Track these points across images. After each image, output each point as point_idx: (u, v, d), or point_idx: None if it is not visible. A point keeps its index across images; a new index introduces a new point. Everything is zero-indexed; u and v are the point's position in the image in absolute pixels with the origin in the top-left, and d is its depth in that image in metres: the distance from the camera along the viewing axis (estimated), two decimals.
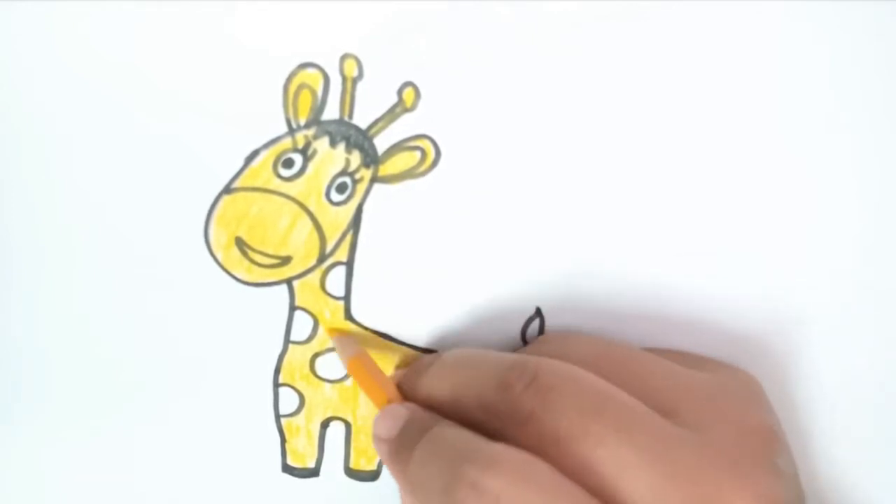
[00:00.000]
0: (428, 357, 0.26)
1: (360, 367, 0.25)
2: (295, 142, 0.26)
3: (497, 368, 0.22)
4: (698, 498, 0.20)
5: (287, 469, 0.28)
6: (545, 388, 0.21)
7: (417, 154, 0.26)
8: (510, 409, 0.21)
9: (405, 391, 0.24)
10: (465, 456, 0.20)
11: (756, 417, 0.23)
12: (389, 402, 0.24)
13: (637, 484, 0.20)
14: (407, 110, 0.26)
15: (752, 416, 0.23)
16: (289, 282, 0.27)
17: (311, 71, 0.26)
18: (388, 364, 0.28)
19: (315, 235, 0.27)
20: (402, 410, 0.23)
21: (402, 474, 0.22)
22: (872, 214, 0.27)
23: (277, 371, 0.28)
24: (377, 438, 0.23)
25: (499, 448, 0.20)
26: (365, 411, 0.28)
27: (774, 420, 0.24)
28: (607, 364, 0.23)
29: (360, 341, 0.26)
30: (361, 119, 0.26)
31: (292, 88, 0.26)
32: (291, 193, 0.26)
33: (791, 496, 0.21)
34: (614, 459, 0.20)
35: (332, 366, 0.28)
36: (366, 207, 0.27)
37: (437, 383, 0.23)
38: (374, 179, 0.26)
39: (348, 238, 0.27)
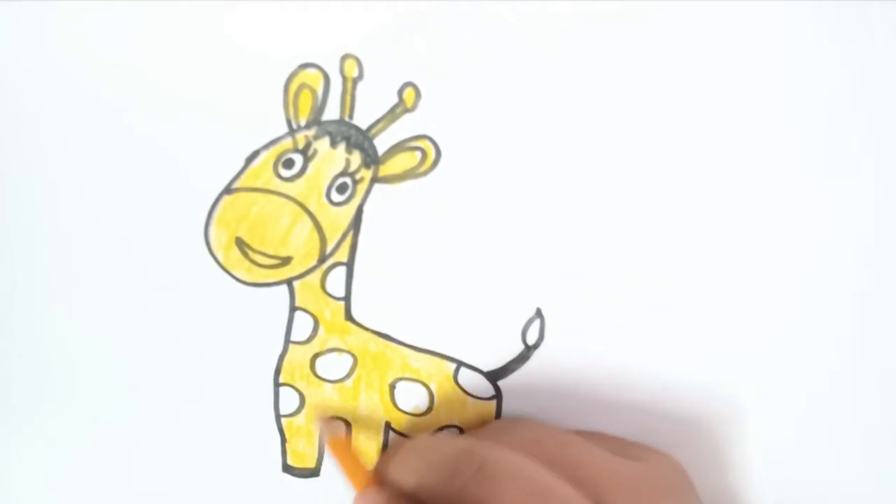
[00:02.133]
0: (399, 442, 0.27)
1: (342, 450, 0.27)
2: (295, 142, 0.26)
3: (448, 457, 0.24)
4: None
5: (287, 469, 0.28)
6: (490, 476, 0.23)
7: (418, 154, 0.26)
8: (459, 495, 0.23)
9: (379, 475, 0.26)
10: None
11: None
12: (367, 485, 0.26)
13: None
14: (407, 110, 0.26)
15: None
16: (289, 282, 0.27)
17: (311, 71, 0.26)
18: (387, 365, 0.28)
19: (315, 236, 0.27)
20: (378, 497, 0.25)
21: None
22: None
23: (278, 371, 0.28)
24: None
25: None
26: (365, 411, 0.28)
27: None
28: (547, 449, 0.25)
29: (341, 425, 0.28)
30: (362, 119, 0.26)
31: (293, 88, 0.26)
32: (292, 194, 0.26)
33: None
34: None
35: (332, 366, 0.28)
36: (366, 208, 0.27)
37: (403, 470, 0.25)
38: (374, 180, 0.26)
39: (349, 238, 0.27)
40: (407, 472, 0.25)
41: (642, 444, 0.28)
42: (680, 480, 0.27)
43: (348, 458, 0.26)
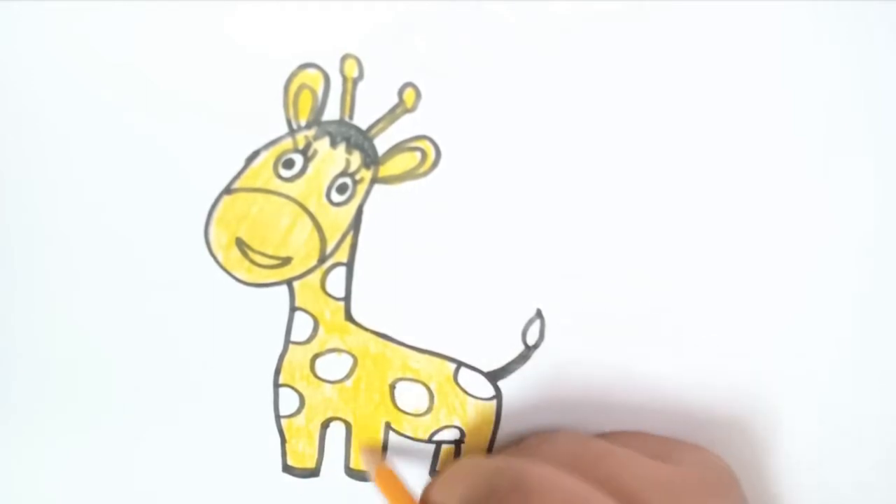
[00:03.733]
0: (445, 468, 0.27)
1: (388, 480, 0.27)
2: (295, 142, 0.26)
3: (484, 476, 0.24)
4: None
5: (287, 469, 0.28)
6: (525, 491, 0.23)
7: (418, 155, 0.26)
8: None
9: (424, 501, 0.26)
10: None
11: None
12: None
13: None
14: (407, 111, 0.26)
15: None
16: (289, 282, 0.27)
17: (311, 71, 0.26)
18: (386, 365, 0.28)
19: (315, 236, 0.27)
20: None
21: None
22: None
23: (278, 371, 0.28)
24: None
25: None
26: (365, 412, 0.28)
27: None
28: (584, 462, 0.25)
29: (383, 456, 0.28)
30: (362, 119, 0.26)
31: (293, 89, 0.26)
32: (292, 194, 0.26)
33: None
34: None
35: (332, 366, 0.28)
36: (366, 208, 0.27)
37: (445, 493, 0.25)
38: (374, 180, 0.26)
39: (349, 239, 0.27)
40: (449, 495, 0.25)
41: (684, 442, 0.28)
42: (722, 478, 0.26)
43: (395, 489, 0.26)
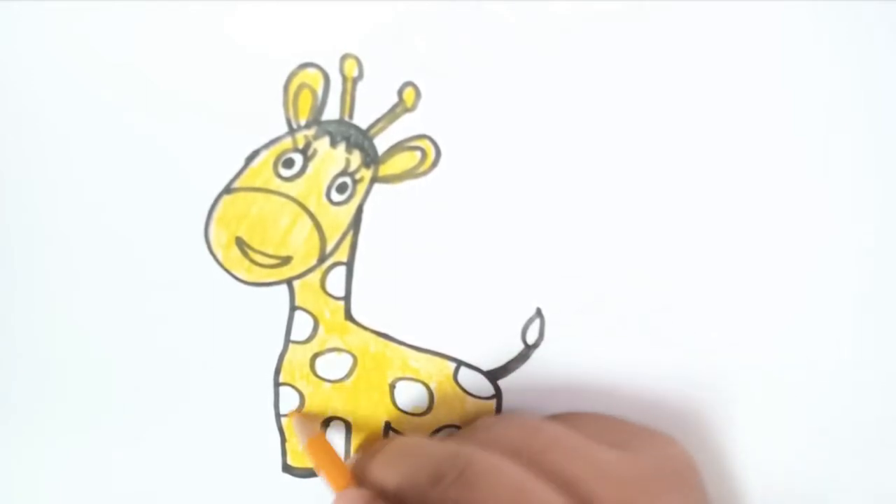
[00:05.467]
0: (379, 443, 0.27)
1: (319, 449, 0.26)
2: (295, 142, 0.26)
3: (431, 461, 0.24)
4: None
5: (287, 469, 0.28)
6: (471, 481, 0.23)
7: (418, 154, 0.26)
8: (440, 499, 0.23)
9: (357, 474, 0.26)
10: None
11: None
12: (347, 485, 0.25)
13: None
14: (407, 110, 0.26)
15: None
16: (289, 282, 0.27)
17: (311, 71, 0.26)
18: (386, 364, 0.28)
19: (315, 235, 0.27)
20: (360, 496, 0.25)
21: None
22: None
23: (278, 370, 0.28)
24: None
25: None
26: (365, 411, 0.28)
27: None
28: (532, 451, 0.24)
29: (317, 424, 0.28)
30: (362, 119, 0.26)
31: (293, 88, 0.26)
32: (292, 193, 0.26)
33: None
34: None
35: (332, 365, 0.28)
36: (366, 207, 0.27)
37: (383, 471, 0.25)
38: (374, 179, 0.26)
39: (348, 238, 0.27)
40: (390, 473, 0.25)
41: (647, 428, 0.28)
42: (681, 467, 0.26)
43: (326, 458, 0.26)
